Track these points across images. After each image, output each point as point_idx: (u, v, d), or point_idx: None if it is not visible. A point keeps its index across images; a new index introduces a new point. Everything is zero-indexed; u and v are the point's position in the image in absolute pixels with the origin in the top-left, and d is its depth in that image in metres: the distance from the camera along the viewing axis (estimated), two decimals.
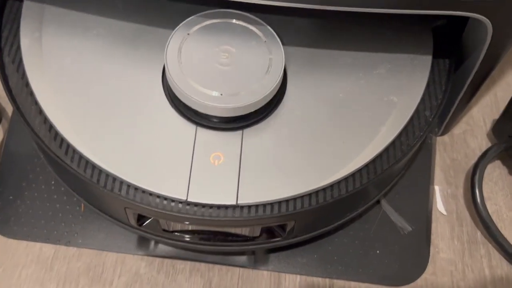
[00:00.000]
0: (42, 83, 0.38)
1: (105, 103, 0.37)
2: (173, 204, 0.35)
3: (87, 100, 0.37)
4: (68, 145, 0.36)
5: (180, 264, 0.43)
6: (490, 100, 0.53)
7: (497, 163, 0.50)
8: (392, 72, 0.40)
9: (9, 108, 0.50)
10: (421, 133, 0.39)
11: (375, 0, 0.31)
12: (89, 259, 0.43)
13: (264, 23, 0.38)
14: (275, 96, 0.37)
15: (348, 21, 0.41)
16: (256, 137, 0.37)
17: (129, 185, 0.35)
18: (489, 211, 0.44)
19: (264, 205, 0.35)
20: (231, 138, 0.36)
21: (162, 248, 0.43)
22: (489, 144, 0.50)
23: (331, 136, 0.37)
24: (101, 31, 0.40)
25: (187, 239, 0.39)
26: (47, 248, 0.43)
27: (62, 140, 0.36)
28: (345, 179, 0.36)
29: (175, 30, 0.37)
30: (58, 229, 0.44)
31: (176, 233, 0.39)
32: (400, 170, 0.43)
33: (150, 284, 0.42)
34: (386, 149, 0.37)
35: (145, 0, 0.41)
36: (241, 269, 0.43)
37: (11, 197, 0.45)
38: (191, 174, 0.35)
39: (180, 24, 0.37)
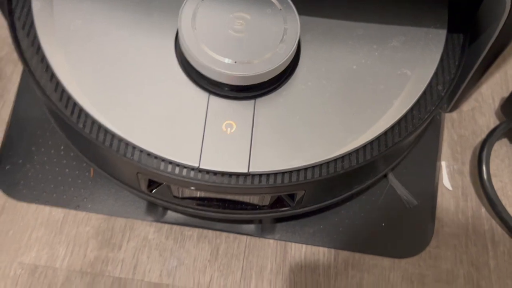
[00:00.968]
0: (54, 46, 0.37)
1: (117, 68, 0.37)
2: (185, 170, 0.35)
3: (99, 65, 0.37)
4: (81, 110, 0.36)
5: (188, 231, 0.43)
6: (500, 78, 0.53)
7: (504, 141, 0.50)
8: (406, 45, 0.40)
9: (16, 72, 0.49)
10: (433, 108, 0.39)
11: None
12: (98, 223, 0.43)
13: None
14: (288, 66, 0.36)
15: None
16: (268, 106, 0.36)
17: (141, 151, 0.35)
18: (495, 187, 0.45)
19: (275, 174, 0.35)
20: (243, 107, 0.36)
21: (170, 214, 0.43)
22: (497, 122, 0.50)
23: (343, 108, 0.37)
24: None
25: (197, 206, 0.39)
26: (57, 212, 0.43)
27: (75, 104, 0.36)
28: (356, 151, 0.36)
29: None
30: (68, 194, 0.44)
31: (186, 200, 0.39)
32: (409, 144, 0.43)
33: (159, 249, 0.42)
34: (398, 123, 0.37)
35: None
36: (248, 237, 0.43)
37: (20, 161, 0.45)
38: (204, 141, 0.35)
39: None
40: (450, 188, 0.47)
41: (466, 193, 0.47)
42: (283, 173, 0.35)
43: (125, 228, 0.43)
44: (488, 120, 0.51)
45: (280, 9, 0.37)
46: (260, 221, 0.43)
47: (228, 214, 0.40)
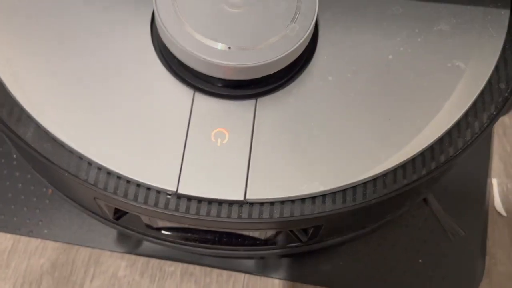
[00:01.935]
0: None
1: (73, 60, 0.28)
2: (158, 197, 0.26)
3: (51, 56, 0.28)
4: (22, 112, 0.27)
5: (169, 266, 0.35)
6: None
7: None
8: (458, 30, 0.31)
9: None
10: (495, 112, 0.30)
11: None
12: (56, 255, 0.35)
13: None
14: (302, 54, 0.28)
15: None
16: (274, 109, 0.28)
17: (99, 168, 0.26)
18: None
19: (281, 202, 0.26)
20: (240, 110, 0.28)
21: (147, 245, 0.35)
22: None
23: (374, 112, 0.28)
24: None
25: (178, 239, 0.30)
26: (4, 239, 0.36)
27: (14, 105, 0.27)
28: (392, 172, 0.27)
29: None
30: (19, 215, 0.36)
31: (163, 231, 0.30)
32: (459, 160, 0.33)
33: None
34: (449, 133, 0.29)
35: None
36: (246, 275, 0.35)
37: None
38: (184, 156, 0.26)
39: None
40: (504, 213, 0.39)
41: None
42: (292, 201, 0.26)
43: (89, 262, 0.35)
44: None
45: None
46: (262, 256, 0.34)
47: (219, 250, 0.31)
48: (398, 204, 0.32)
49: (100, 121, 0.27)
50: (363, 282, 0.35)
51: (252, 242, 0.30)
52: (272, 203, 0.26)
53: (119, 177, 0.26)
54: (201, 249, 0.31)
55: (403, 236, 0.36)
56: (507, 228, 0.38)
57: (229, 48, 0.26)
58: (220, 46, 0.26)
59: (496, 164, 0.40)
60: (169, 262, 0.35)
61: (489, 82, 0.30)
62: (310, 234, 0.29)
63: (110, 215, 0.30)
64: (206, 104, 0.28)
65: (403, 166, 0.27)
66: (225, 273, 0.35)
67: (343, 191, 0.27)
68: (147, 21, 0.29)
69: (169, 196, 0.26)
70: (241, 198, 0.25)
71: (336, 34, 0.30)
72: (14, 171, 0.37)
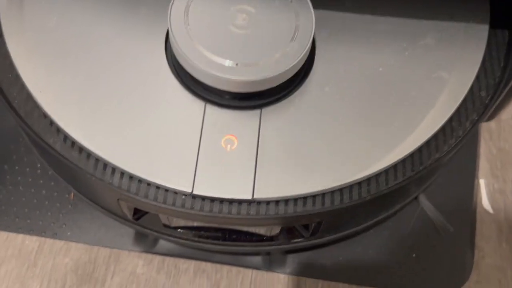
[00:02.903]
0: (23, 49, 0.32)
1: (96, 75, 0.31)
2: (175, 197, 0.29)
3: (75, 72, 0.31)
4: (52, 123, 0.30)
5: (183, 263, 0.37)
6: None
7: None
8: (442, 43, 0.34)
9: None
10: (476, 118, 0.32)
11: None
12: (78, 254, 0.37)
13: None
14: (301, 68, 0.31)
15: None
16: (277, 118, 0.31)
17: (122, 173, 0.29)
18: None
19: (285, 200, 0.29)
20: (247, 119, 0.30)
21: (163, 244, 0.37)
22: None
23: (367, 119, 0.31)
24: None
25: (192, 237, 0.33)
26: (30, 241, 0.38)
27: (45, 117, 0.30)
28: (385, 172, 0.30)
29: None
30: (44, 220, 0.38)
31: (179, 230, 0.33)
32: (447, 161, 0.36)
33: (148, 286, 0.36)
34: (435, 136, 0.31)
35: None
36: (254, 271, 0.37)
37: None
38: (198, 161, 0.29)
39: None
40: (491, 210, 0.41)
41: (510, 216, 0.40)
42: (295, 199, 0.29)
43: (109, 260, 0.37)
44: None
45: (291, 1, 0.31)
46: (268, 253, 0.37)
47: (229, 246, 0.33)
48: (391, 202, 0.34)
49: (122, 131, 0.29)
50: (361, 274, 0.37)
51: (259, 238, 0.33)
52: (277, 201, 0.29)
53: (140, 180, 0.29)
54: (212, 246, 0.33)
55: (397, 232, 0.38)
56: (493, 224, 0.40)
57: (236, 64, 0.29)
58: (228, 62, 0.29)
59: (483, 165, 0.43)
60: (183, 260, 0.37)
61: (471, 90, 0.33)
62: (311, 230, 0.32)
63: (130, 215, 0.32)
64: (216, 114, 0.30)
65: (394, 166, 0.30)
66: (234, 269, 0.37)
67: (340, 190, 0.29)
68: (162, 41, 0.32)
69: (184, 197, 0.29)
70: (250, 197, 0.28)
71: (331, 50, 0.33)
72: (39, 179, 0.39)
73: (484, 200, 0.41)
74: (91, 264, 0.37)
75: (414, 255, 0.38)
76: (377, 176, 0.30)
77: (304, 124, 0.30)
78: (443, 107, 0.32)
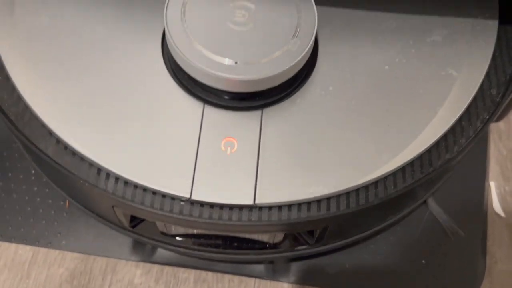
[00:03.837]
0: (13, 50, 0.31)
1: (89, 77, 0.30)
2: (173, 203, 0.27)
3: (68, 73, 0.30)
4: (43, 126, 0.29)
5: (183, 272, 0.36)
6: None
7: None
8: (450, 40, 0.32)
9: None
10: (487, 116, 0.31)
11: None
12: (74, 264, 0.36)
13: None
14: (303, 67, 0.30)
15: None
16: (279, 119, 0.29)
17: (117, 178, 0.28)
18: None
19: (288, 206, 0.28)
20: (247, 120, 0.29)
21: (161, 253, 0.36)
22: None
23: (373, 120, 0.30)
24: None
25: (192, 245, 0.31)
26: (24, 251, 0.36)
27: (36, 120, 0.29)
28: (393, 175, 0.29)
29: None
30: (38, 228, 0.37)
31: (178, 238, 0.31)
32: (456, 163, 0.35)
33: None
34: (444, 137, 0.30)
35: None
36: (257, 280, 0.36)
37: None
38: (197, 165, 0.28)
39: None
40: (502, 214, 0.39)
41: None
42: (299, 204, 0.28)
43: (106, 270, 0.35)
44: None
45: None
46: (271, 261, 0.35)
47: (230, 255, 0.32)
48: (399, 206, 0.33)
49: (116, 134, 0.28)
50: (368, 283, 0.36)
51: (262, 246, 0.32)
52: (280, 206, 0.27)
53: (135, 186, 0.28)
54: (213, 254, 0.32)
55: (406, 238, 0.37)
56: (505, 228, 0.39)
57: (236, 63, 0.28)
58: (227, 61, 0.28)
59: (493, 167, 0.41)
60: (182, 269, 0.36)
61: (481, 88, 0.32)
62: (316, 237, 0.31)
63: (126, 223, 0.31)
64: (215, 115, 0.29)
65: (402, 169, 0.29)
66: (236, 278, 0.36)
67: (346, 194, 0.28)
68: (158, 39, 0.31)
69: (183, 203, 0.27)
70: (251, 202, 0.27)
71: (335, 47, 0.31)
72: (33, 186, 0.38)
73: (495, 203, 0.40)
74: (87, 275, 0.35)
75: (423, 261, 0.37)
76: (384, 179, 0.29)
77: (308, 125, 0.29)
78: (452, 106, 0.30)
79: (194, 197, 0.27)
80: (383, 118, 0.30)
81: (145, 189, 0.27)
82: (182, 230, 0.31)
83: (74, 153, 0.28)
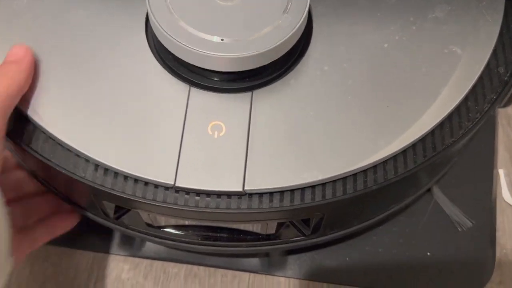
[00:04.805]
0: None
1: (69, 60, 0.28)
2: (156, 191, 0.25)
3: (43, 49, 0.28)
4: (16, 110, 0.27)
5: (173, 267, 0.34)
6: None
7: None
8: (453, 15, 0.30)
9: None
10: (495, 97, 0.29)
11: None
12: (59, 260, 0.34)
13: None
14: (296, 44, 0.28)
15: None
16: (270, 100, 0.28)
17: (97, 165, 0.26)
18: None
19: (280, 192, 0.26)
20: (236, 102, 0.27)
21: (150, 247, 0.34)
22: None
23: (371, 100, 0.28)
24: None
25: (179, 237, 0.30)
26: None
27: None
28: (393, 158, 0.27)
29: None
30: None
31: (164, 229, 0.30)
32: (462, 147, 0.33)
33: None
34: (449, 118, 0.28)
35: None
36: (251, 274, 0.34)
37: None
38: (182, 150, 0.26)
39: None
40: None
41: None
42: (291, 190, 0.26)
43: (92, 265, 0.34)
44: None
45: None
46: (266, 254, 0.33)
47: (222, 247, 0.30)
48: (402, 194, 0.31)
49: (96, 119, 0.26)
50: (370, 277, 0.34)
51: (255, 237, 0.30)
52: (271, 193, 0.26)
53: (116, 173, 0.26)
54: (203, 247, 0.30)
55: (409, 229, 0.35)
56: None
57: (222, 40, 0.26)
58: (213, 38, 0.26)
59: (502, 154, 0.39)
60: (172, 264, 0.34)
61: (488, 66, 0.30)
62: (312, 227, 0.29)
63: (110, 214, 0.29)
64: (202, 98, 0.27)
65: (403, 152, 0.27)
66: (229, 273, 0.34)
67: (343, 179, 0.26)
68: (142, 19, 0.29)
69: (166, 190, 0.26)
70: (240, 189, 0.25)
71: (330, 25, 0.30)
72: None
73: (505, 191, 0.38)
74: (73, 270, 0.34)
75: (428, 253, 0.35)
76: (384, 163, 0.27)
77: (301, 107, 0.27)
78: (457, 85, 0.28)
79: (178, 184, 0.25)
80: (382, 99, 0.28)
81: (126, 176, 0.26)
82: (171, 221, 0.29)
83: (49, 138, 0.26)
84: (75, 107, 0.27)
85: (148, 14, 0.27)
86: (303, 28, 0.27)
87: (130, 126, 0.26)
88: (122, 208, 0.29)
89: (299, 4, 0.27)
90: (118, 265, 0.34)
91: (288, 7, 0.27)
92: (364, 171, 0.26)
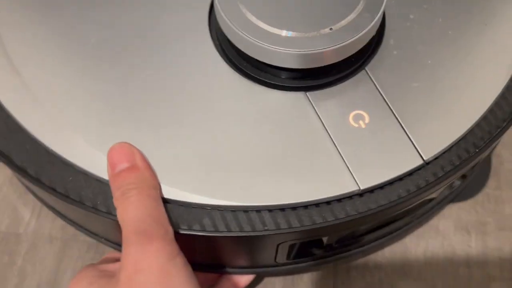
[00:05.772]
0: None
1: (112, 50, 0.26)
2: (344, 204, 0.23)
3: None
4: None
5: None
6: None
7: None
8: None
9: None
10: None
11: None
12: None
13: None
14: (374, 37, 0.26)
15: None
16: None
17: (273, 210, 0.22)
18: None
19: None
20: (360, 86, 0.26)
21: None
22: None
23: None
24: None
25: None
26: None
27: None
28: None
29: None
30: None
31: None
32: None
33: None
34: None
35: None
36: None
37: None
38: (339, 151, 0.24)
39: None
40: None
41: None
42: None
43: None
44: None
45: None
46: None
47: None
48: None
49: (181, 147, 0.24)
50: None
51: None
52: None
53: (294, 208, 0.22)
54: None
55: None
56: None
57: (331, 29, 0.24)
58: (284, 33, 0.24)
59: None
60: None
61: None
62: None
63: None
64: (322, 95, 0.25)
65: None
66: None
67: None
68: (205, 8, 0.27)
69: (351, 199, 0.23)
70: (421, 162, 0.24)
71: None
72: None
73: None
74: None
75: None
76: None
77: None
78: None
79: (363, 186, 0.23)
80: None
81: (305, 206, 0.23)
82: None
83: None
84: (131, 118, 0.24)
85: (215, 8, 0.24)
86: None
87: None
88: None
89: None
90: None
91: None
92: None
